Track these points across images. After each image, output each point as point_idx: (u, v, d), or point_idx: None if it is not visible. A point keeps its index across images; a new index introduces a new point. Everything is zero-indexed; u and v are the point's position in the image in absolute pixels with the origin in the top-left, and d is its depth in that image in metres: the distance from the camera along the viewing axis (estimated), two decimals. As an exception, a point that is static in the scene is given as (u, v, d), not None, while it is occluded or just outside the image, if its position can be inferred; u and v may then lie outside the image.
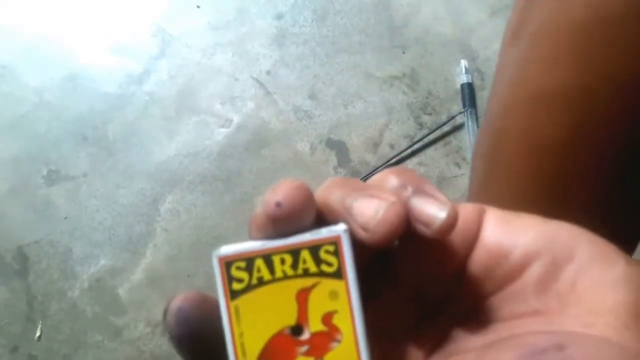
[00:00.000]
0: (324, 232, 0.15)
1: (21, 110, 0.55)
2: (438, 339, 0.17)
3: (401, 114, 0.54)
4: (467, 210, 0.16)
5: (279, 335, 0.15)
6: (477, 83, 0.55)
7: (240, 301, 0.15)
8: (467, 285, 0.16)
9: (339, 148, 0.52)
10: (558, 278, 0.16)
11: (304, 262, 0.15)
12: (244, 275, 0.15)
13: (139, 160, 0.53)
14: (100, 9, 0.59)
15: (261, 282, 0.15)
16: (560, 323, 0.15)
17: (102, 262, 0.50)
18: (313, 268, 0.15)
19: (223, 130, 0.53)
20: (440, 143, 0.53)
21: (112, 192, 0.52)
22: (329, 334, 0.15)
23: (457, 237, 0.16)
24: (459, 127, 0.54)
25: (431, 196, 0.15)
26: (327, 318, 0.15)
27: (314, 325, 0.15)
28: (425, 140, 0.53)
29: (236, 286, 0.15)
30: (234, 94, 0.54)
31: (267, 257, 0.15)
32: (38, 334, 0.48)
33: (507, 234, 0.16)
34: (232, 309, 0.15)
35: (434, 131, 0.53)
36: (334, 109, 0.54)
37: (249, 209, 0.50)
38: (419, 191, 0.15)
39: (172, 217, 0.51)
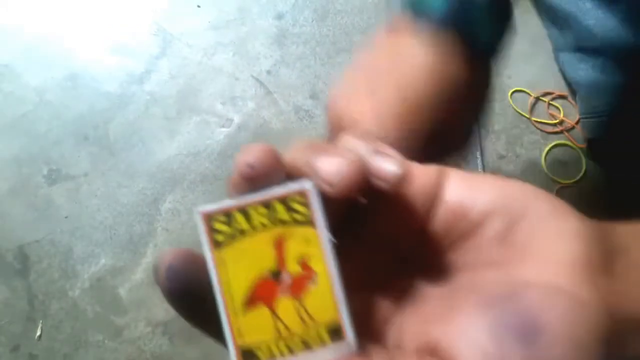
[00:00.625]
0: (292, 185, 0.16)
1: (22, 110, 0.55)
2: (404, 289, 0.18)
3: (402, 113, 0.54)
4: (428, 171, 0.18)
5: (261, 279, 0.17)
6: (477, 83, 0.55)
7: (224, 251, 0.16)
8: (430, 240, 0.18)
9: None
10: (515, 232, 0.17)
11: (277, 212, 0.16)
12: (225, 227, 0.16)
13: (139, 160, 0.53)
14: (101, 9, 0.59)
15: (241, 233, 0.17)
16: (517, 273, 0.17)
17: (103, 261, 0.50)
18: (286, 217, 0.16)
19: (224, 129, 0.53)
20: (441, 143, 0.53)
21: (113, 192, 0.52)
22: (305, 275, 0.17)
23: (419, 195, 0.17)
24: (459, 127, 0.54)
25: (387, 155, 0.16)
26: (303, 261, 0.17)
27: (292, 268, 0.17)
28: (426, 140, 0.53)
29: (219, 238, 0.16)
30: (235, 93, 0.54)
31: (244, 210, 0.16)
32: (39, 333, 0.48)
33: (467, 192, 0.17)
34: (217, 259, 0.16)
35: (434, 131, 0.53)
36: (335, 108, 0.54)
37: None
38: (377, 151, 0.16)
39: (173, 216, 0.51)
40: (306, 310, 0.17)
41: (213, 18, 0.58)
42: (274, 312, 0.17)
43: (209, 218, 0.16)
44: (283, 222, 0.17)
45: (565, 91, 0.55)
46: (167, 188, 0.52)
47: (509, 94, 0.55)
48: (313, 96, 0.54)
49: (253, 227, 0.17)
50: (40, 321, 0.48)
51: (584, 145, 0.52)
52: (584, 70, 0.53)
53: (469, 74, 0.24)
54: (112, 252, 0.50)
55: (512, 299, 0.16)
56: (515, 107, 0.54)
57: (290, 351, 0.16)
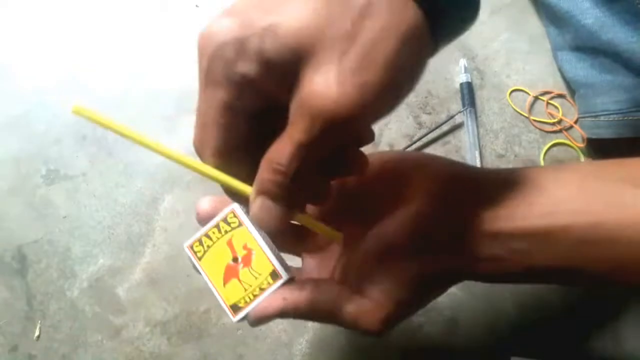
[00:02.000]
0: (226, 210, 0.31)
1: (20, 110, 0.55)
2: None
3: (400, 113, 0.54)
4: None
5: (227, 266, 0.30)
6: (476, 82, 0.55)
7: (204, 259, 0.30)
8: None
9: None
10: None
11: (222, 227, 0.30)
12: (200, 247, 0.31)
13: (138, 160, 0.53)
14: (99, 8, 0.59)
15: (209, 246, 0.30)
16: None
17: (101, 261, 0.50)
18: (227, 228, 0.30)
19: (222, 129, 0.53)
20: (439, 142, 0.53)
21: (111, 192, 0.52)
22: (248, 253, 0.30)
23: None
24: (458, 127, 0.54)
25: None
26: (245, 246, 0.30)
27: (240, 252, 0.30)
28: (425, 139, 0.53)
29: (199, 254, 0.31)
30: (233, 93, 0.54)
31: (206, 235, 0.31)
32: (37, 333, 0.48)
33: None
34: (203, 265, 0.30)
35: (433, 130, 0.53)
36: (334, 108, 0.53)
37: (248, 209, 0.50)
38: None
39: (172, 216, 0.51)
40: (255, 271, 0.30)
41: (212, 17, 0.58)
42: (239, 280, 0.30)
43: (191, 246, 0.31)
44: (227, 231, 0.30)
45: (564, 90, 0.55)
46: (166, 188, 0.52)
47: (508, 93, 0.55)
48: (312, 95, 0.54)
49: (214, 241, 0.30)
50: (39, 321, 0.48)
51: (582, 145, 0.52)
52: (583, 69, 0.53)
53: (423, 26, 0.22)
54: (110, 252, 0.50)
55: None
56: (513, 106, 0.54)
57: (255, 296, 0.29)
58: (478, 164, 0.51)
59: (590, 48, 0.52)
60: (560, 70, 0.55)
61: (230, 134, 0.23)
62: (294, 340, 0.48)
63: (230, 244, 0.30)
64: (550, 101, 0.54)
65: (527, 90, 0.55)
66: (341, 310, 0.28)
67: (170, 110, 0.55)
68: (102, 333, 0.48)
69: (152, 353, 0.47)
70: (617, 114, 0.50)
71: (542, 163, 0.52)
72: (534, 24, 0.58)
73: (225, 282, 0.30)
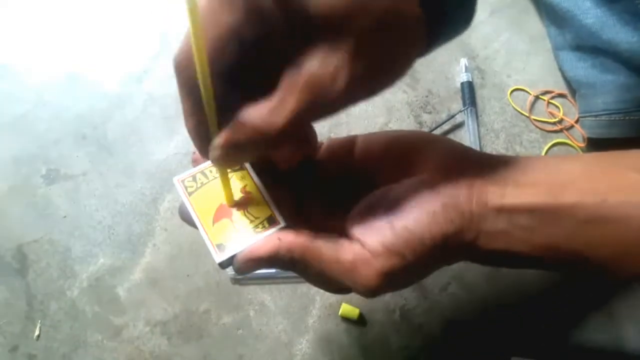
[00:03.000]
0: None
1: (21, 110, 0.55)
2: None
3: (401, 112, 0.54)
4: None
5: (220, 206, 0.28)
6: (477, 82, 0.55)
7: (194, 196, 0.28)
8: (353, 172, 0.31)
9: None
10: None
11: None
12: (192, 184, 0.28)
13: (138, 160, 0.53)
14: (100, 7, 0.59)
15: (203, 184, 0.28)
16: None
17: (102, 261, 0.50)
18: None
19: (222, 129, 0.53)
20: (440, 142, 0.53)
21: (112, 191, 0.52)
22: (246, 196, 0.28)
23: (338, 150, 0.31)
24: (458, 126, 0.53)
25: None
26: (243, 189, 0.29)
27: (237, 195, 0.28)
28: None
29: (190, 189, 0.28)
30: (234, 93, 0.54)
31: (202, 172, 0.29)
32: (37, 333, 0.48)
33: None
34: (191, 200, 0.28)
35: (433, 130, 0.53)
36: (334, 108, 0.53)
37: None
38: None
39: (172, 216, 0.51)
40: (251, 214, 0.28)
41: None
42: (231, 220, 0.28)
43: (182, 181, 0.29)
44: (225, 172, 0.27)
45: (564, 90, 0.55)
46: (166, 188, 0.52)
47: (509, 92, 0.55)
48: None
49: (209, 179, 0.28)
50: (39, 321, 0.48)
51: (583, 144, 0.52)
52: (583, 69, 0.53)
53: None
54: (110, 251, 0.50)
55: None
56: (514, 105, 0.54)
57: (247, 238, 0.27)
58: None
59: (591, 48, 0.51)
60: (560, 69, 0.55)
61: (222, 60, 0.25)
62: (294, 340, 0.48)
63: (226, 184, 0.27)
64: (551, 101, 0.54)
65: (528, 90, 0.55)
66: (338, 257, 0.26)
67: (170, 111, 0.55)
68: (102, 333, 0.48)
69: (152, 353, 0.47)
70: (617, 113, 0.50)
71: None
72: (535, 23, 0.58)
73: (214, 222, 0.27)
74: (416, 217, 0.27)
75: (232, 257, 0.27)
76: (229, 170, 0.28)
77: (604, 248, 0.26)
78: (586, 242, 0.26)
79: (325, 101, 0.23)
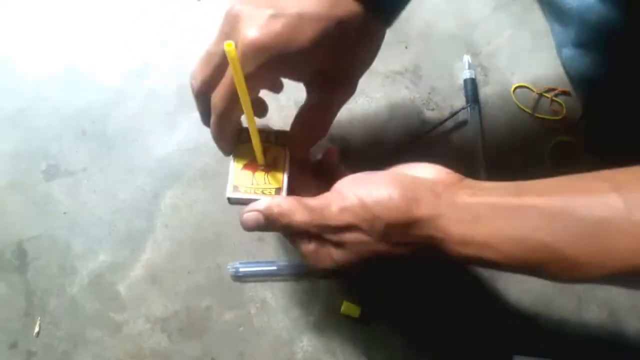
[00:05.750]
0: (281, 130, 0.40)
1: (20, 105, 0.55)
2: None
3: (403, 109, 0.54)
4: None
5: (252, 160, 0.39)
6: (480, 78, 0.55)
7: (241, 146, 0.39)
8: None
9: (341, 143, 0.52)
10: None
11: (270, 137, 0.40)
12: (245, 137, 0.38)
13: (138, 155, 0.53)
14: (100, 3, 0.58)
15: (247, 140, 0.37)
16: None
17: (102, 257, 0.50)
18: (272, 139, 0.40)
19: (224, 125, 0.53)
20: (443, 139, 0.53)
21: (112, 187, 0.52)
22: (272, 164, 0.39)
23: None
24: (461, 123, 0.53)
25: None
26: (274, 159, 0.39)
27: (268, 161, 0.39)
28: (428, 136, 0.53)
29: (243, 140, 0.39)
30: (235, 88, 0.54)
31: (260, 130, 0.38)
32: (37, 329, 0.48)
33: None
34: (238, 148, 0.40)
35: (436, 127, 0.52)
36: (336, 104, 0.53)
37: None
38: None
39: (173, 212, 0.51)
40: (268, 178, 0.38)
41: (213, 12, 0.57)
42: (253, 175, 0.38)
43: (241, 130, 0.40)
44: (270, 141, 0.40)
45: (568, 87, 0.54)
46: (167, 184, 0.52)
47: (512, 90, 0.54)
48: (314, 91, 0.53)
49: (248, 141, 0.37)
50: (39, 318, 0.48)
51: (586, 141, 0.52)
52: (587, 65, 0.53)
53: (363, 20, 0.34)
54: (111, 248, 0.50)
55: None
56: (518, 103, 0.54)
57: (254, 192, 0.37)
58: (481, 161, 0.51)
59: (594, 44, 0.51)
60: (564, 66, 0.55)
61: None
62: (295, 338, 0.47)
63: (266, 149, 0.39)
64: (554, 98, 0.54)
65: (531, 87, 0.54)
66: (308, 201, 0.35)
67: (171, 106, 0.54)
68: (102, 330, 0.48)
69: (152, 350, 0.47)
70: (620, 109, 0.50)
71: (546, 160, 0.52)
72: (538, 20, 0.58)
73: (242, 170, 0.39)
74: (389, 187, 0.33)
75: (236, 200, 0.38)
76: (272, 140, 0.40)
77: (571, 245, 0.28)
78: (551, 235, 0.28)
79: (255, 51, 0.33)
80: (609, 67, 0.51)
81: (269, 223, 0.36)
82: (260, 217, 0.35)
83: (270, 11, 0.32)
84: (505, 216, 0.30)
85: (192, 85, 0.37)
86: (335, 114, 0.38)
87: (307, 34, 0.32)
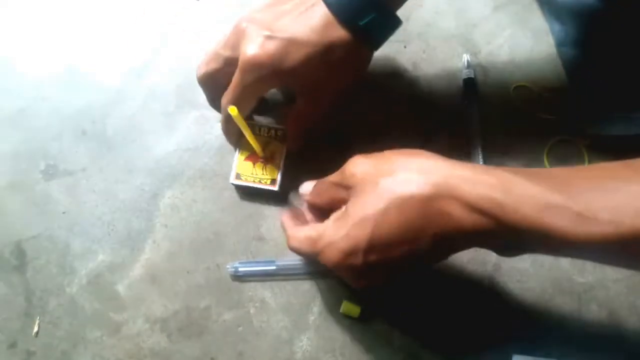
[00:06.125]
0: (280, 125, 0.49)
1: (20, 104, 0.55)
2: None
3: (402, 108, 0.54)
4: None
5: (254, 152, 0.48)
6: (479, 78, 0.55)
7: (247, 139, 0.45)
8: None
9: (340, 143, 0.52)
10: None
11: (272, 132, 0.48)
12: (255, 129, 0.48)
13: (138, 155, 0.53)
14: (99, 2, 0.58)
15: (256, 135, 0.48)
16: None
17: (101, 257, 0.50)
18: (274, 135, 0.48)
19: (223, 125, 0.53)
20: (442, 138, 0.53)
21: (111, 187, 0.52)
22: (271, 157, 0.48)
23: None
24: (461, 123, 0.53)
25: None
26: (272, 153, 0.48)
27: (267, 155, 0.48)
28: (427, 135, 0.53)
29: (254, 131, 0.48)
30: (234, 88, 0.54)
31: (266, 125, 0.49)
32: (36, 329, 0.48)
33: None
34: (245, 139, 0.46)
35: (435, 127, 0.52)
36: (335, 103, 0.53)
37: (249, 205, 0.50)
38: None
39: (172, 212, 0.51)
40: (266, 170, 0.47)
41: (213, 12, 0.57)
42: (254, 166, 0.48)
43: (253, 125, 0.48)
44: (271, 136, 0.48)
45: (568, 86, 0.54)
46: (166, 183, 0.52)
47: (512, 89, 0.54)
48: (313, 91, 0.53)
49: (261, 134, 0.48)
50: (38, 317, 0.48)
51: (586, 141, 0.52)
52: (586, 64, 0.53)
53: (348, 48, 0.40)
54: (110, 248, 0.50)
55: None
56: (517, 102, 0.54)
57: (253, 181, 0.47)
58: (481, 161, 0.51)
59: (594, 43, 0.51)
60: (563, 65, 0.55)
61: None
62: (295, 338, 0.47)
63: (266, 143, 0.48)
64: (554, 97, 0.54)
65: (531, 86, 0.54)
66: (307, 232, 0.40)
67: (170, 106, 0.54)
68: (101, 329, 0.48)
69: (152, 350, 0.47)
70: (620, 110, 0.50)
71: (545, 159, 0.52)
72: (538, 19, 0.57)
73: (245, 160, 0.48)
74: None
75: (237, 186, 0.49)
76: (274, 136, 0.48)
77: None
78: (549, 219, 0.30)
79: (254, 68, 0.40)
80: (608, 66, 0.51)
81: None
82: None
83: (267, 33, 0.39)
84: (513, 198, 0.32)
85: (197, 73, 0.47)
86: (320, 118, 0.46)
87: (296, 56, 0.39)
